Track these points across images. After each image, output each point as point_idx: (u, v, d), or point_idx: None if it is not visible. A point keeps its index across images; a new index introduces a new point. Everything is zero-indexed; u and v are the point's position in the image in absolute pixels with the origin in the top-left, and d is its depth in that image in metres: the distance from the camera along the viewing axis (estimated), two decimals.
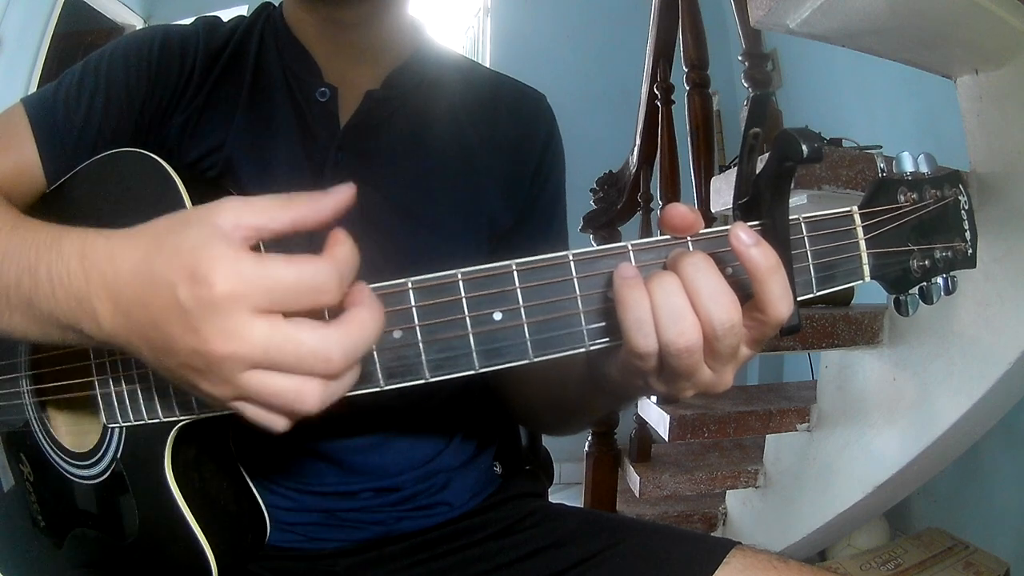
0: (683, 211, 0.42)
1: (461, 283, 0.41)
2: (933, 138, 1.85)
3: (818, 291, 0.43)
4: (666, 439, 1.57)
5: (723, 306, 0.39)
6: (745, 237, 0.39)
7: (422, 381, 0.42)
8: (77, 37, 3.06)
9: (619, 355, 0.43)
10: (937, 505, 1.84)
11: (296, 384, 0.37)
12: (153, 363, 0.40)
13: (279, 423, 0.39)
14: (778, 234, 0.41)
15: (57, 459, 0.61)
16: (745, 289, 0.40)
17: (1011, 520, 1.62)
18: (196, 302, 0.36)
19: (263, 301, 0.35)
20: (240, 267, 0.35)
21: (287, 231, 0.37)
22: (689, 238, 0.42)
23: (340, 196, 0.38)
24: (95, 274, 0.40)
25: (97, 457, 0.57)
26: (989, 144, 1.21)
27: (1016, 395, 1.27)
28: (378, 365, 0.42)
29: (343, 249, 0.37)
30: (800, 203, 1.17)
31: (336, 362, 0.36)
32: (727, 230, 0.41)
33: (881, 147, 1.58)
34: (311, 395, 0.37)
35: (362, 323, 0.37)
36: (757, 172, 0.43)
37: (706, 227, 0.43)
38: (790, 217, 0.42)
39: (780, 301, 0.40)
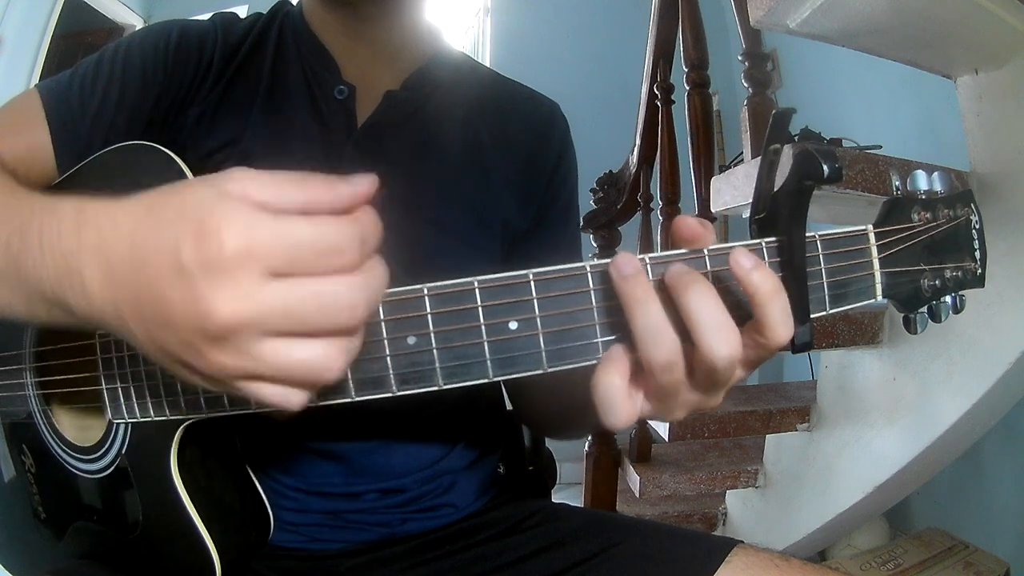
0: (692, 224, 0.41)
1: (477, 291, 0.41)
2: (933, 138, 1.86)
3: (831, 309, 0.43)
4: (666, 439, 1.57)
5: (726, 341, 0.38)
6: (745, 261, 0.38)
7: (435, 388, 0.42)
8: (77, 37, 3.07)
9: None
10: (937, 505, 1.84)
11: (322, 348, 0.34)
12: (146, 344, 0.35)
13: (298, 399, 0.35)
14: (794, 251, 0.41)
15: (60, 452, 0.61)
16: (746, 308, 0.40)
17: (1011, 520, 1.62)
18: (200, 263, 0.31)
19: (279, 262, 0.32)
20: (253, 223, 0.32)
21: (296, 212, 0.34)
22: (706, 252, 0.41)
23: (360, 187, 0.35)
24: (89, 231, 0.36)
25: (102, 452, 0.57)
26: (989, 144, 1.21)
27: (1016, 395, 1.27)
28: (391, 371, 0.41)
29: (367, 214, 0.35)
30: None
31: (362, 313, 0.34)
32: (736, 247, 0.40)
33: (881, 147, 1.58)
34: (338, 358, 0.34)
35: (378, 272, 0.35)
36: (775, 189, 0.43)
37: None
38: (806, 234, 0.42)
39: (780, 325, 0.39)
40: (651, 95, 1.80)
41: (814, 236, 0.43)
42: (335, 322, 0.33)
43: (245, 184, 0.33)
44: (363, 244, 0.34)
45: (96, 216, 0.36)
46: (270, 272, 0.32)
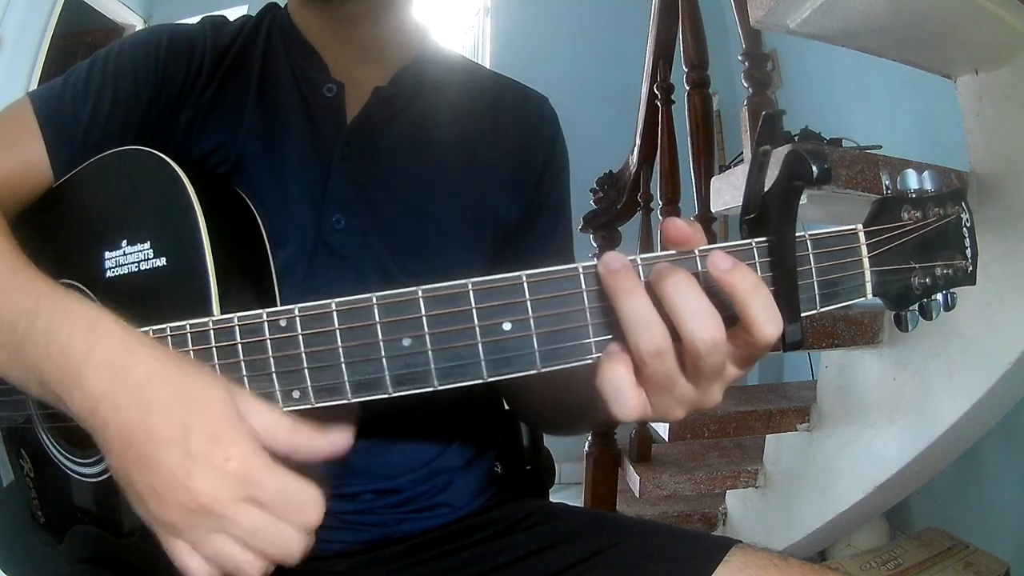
0: (680, 225, 0.42)
1: (471, 293, 0.41)
2: (933, 138, 1.85)
3: (821, 308, 0.44)
4: (666, 439, 1.57)
5: (704, 325, 0.39)
6: (721, 263, 0.39)
7: (430, 389, 0.42)
8: (77, 37, 3.07)
9: None
10: (937, 505, 1.84)
11: (250, 563, 0.40)
12: (118, 460, 0.41)
13: None
14: (784, 251, 0.42)
15: (59, 456, 0.61)
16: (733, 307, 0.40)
17: (1011, 520, 1.62)
18: (204, 458, 0.38)
19: (263, 498, 0.40)
20: (256, 458, 0.40)
21: (280, 452, 0.42)
22: (697, 252, 0.42)
23: (337, 440, 0.43)
24: (101, 351, 0.41)
25: (100, 455, 0.57)
26: (989, 144, 1.21)
27: (1016, 395, 1.27)
28: (387, 373, 0.42)
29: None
30: (800, 203, 1.17)
31: (295, 558, 0.41)
32: (714, 249, 0.41)
33: (881, 147, 1.58)
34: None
35: (312, 538, 0.42)
36: (766, 189, 0.44)
37: (706, 226, 0.43)
38: (796, 234, 0.42)
39: (764, 321, 0.39)
40: (651, 95, 1.80)
41: (804, 236, 0.43)
42: (273, 554, 0.40)
43: (254, 413, 0.41)
44: (318, 518, 0.42)
45: (113, 342, 0.42)
46: (251, 498, 0.39)
